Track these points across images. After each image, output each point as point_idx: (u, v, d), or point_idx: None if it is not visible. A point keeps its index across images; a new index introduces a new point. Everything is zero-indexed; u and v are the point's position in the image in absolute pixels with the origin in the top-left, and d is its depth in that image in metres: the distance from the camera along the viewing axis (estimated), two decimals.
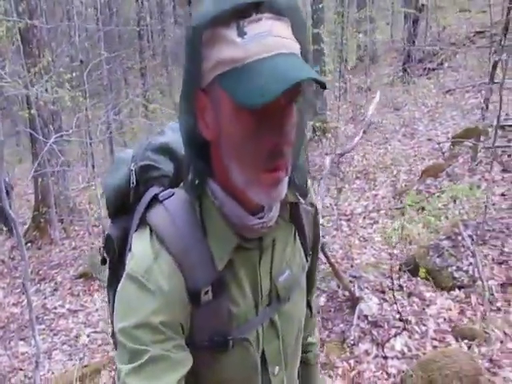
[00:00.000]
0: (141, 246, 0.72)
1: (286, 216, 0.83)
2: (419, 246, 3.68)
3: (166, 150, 0.83)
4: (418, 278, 3.31)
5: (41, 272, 6.20)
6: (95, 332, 4.58)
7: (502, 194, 4.22)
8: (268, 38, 0.61)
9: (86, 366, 3.73)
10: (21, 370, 4.14)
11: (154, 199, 0.76)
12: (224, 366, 0.78)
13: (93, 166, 7.15)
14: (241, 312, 0.76)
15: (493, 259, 3.24)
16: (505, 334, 2.64)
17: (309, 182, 0.88)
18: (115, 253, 0.84)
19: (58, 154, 5.96)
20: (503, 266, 3.16)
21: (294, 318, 0.87)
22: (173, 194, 0.75)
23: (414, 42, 10.76)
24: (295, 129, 0.67)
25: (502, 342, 2.60)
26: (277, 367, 0.84)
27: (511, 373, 2.37)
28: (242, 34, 0.61)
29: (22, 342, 4.68)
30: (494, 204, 3.98)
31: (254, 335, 0.79)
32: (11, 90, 5.16)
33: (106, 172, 0.89)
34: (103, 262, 0.90)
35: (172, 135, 0.85)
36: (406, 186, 5.49)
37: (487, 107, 5.68)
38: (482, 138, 5.16)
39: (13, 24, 5.82)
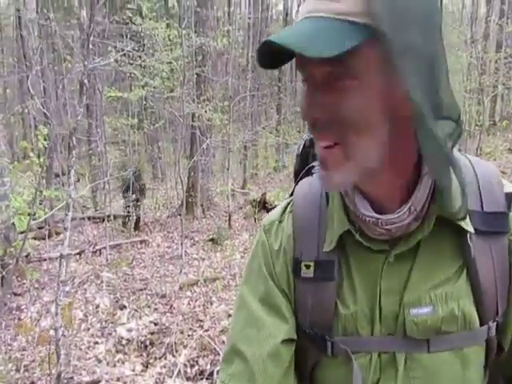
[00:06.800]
0: (278, 207, 0.80)
1: (426, 231, 0.65)
2: None
3: None
4: None
5: (185, 233, 9.15)
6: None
7: None
8: (305, 4, 0.58)
9: None
10: None
11: (308, 171, 0.81)
12: (321, 374, 0.73)
13: (228, 169, 10.08)
14: (349, 316, 0.68)
15: None
16: None
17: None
18: None
19: (208, 153, 9.05)
20: None
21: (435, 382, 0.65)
22: None
23: None
24: (353, 108, 0.57)
25: None
26: None
27: None
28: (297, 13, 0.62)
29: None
30: None
31: (366, 360, 0.67)
32: (186, 108, 8.42)
33: None
34: None
35: None
36: None
37: None
38: None
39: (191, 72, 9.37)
